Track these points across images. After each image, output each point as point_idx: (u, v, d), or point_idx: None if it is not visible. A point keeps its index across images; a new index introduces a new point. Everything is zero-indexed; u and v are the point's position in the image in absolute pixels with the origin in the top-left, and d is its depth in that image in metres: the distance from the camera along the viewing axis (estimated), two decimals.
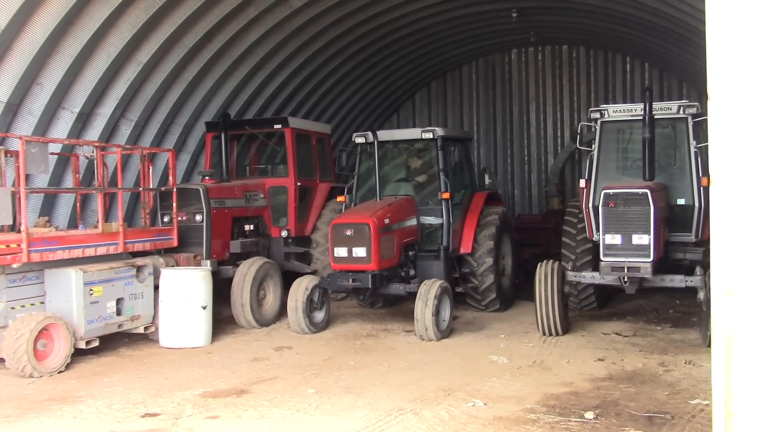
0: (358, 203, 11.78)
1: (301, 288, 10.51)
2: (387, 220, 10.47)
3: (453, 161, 11.61)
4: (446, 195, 11.40)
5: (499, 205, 12.86)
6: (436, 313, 9.85)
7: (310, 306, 10.55)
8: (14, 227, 9.00)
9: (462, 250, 11.82)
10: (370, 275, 10.20)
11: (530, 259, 14.60)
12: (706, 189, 10.34)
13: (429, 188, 12.02)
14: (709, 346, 9.03)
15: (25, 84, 9.77)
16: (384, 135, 12.04)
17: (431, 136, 11.58)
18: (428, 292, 9.89)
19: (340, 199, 12.07)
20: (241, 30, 12.71)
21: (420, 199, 11.78)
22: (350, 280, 10.40)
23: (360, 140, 11.98)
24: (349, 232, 10.25)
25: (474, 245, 11.80)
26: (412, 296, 10.51)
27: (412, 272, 11.27)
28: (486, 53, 20.25)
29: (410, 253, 11.29)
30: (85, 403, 7.20)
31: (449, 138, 11.93)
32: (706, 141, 11.14)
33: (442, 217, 11.51)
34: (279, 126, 13.23)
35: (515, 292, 13.06)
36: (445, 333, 10.12)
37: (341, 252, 10.33)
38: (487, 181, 13.25)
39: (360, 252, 10.20)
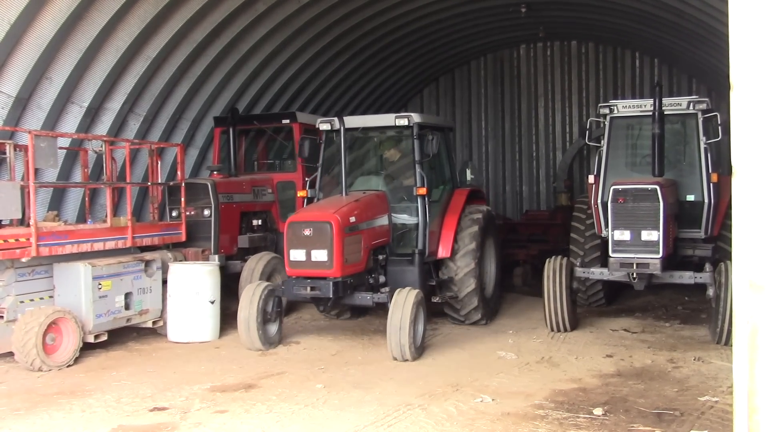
0: (322, 199, 10.31)
1: (253, 297, 9.10)
2: (353, 219, 9.06)
3: (431, 152, 9.80)
4: (422, 191, 9.85)
5: (483, 203, 11.33)
6: (413, 329, 8.51)
7: (264, 317, 9.16)
8: (23, 221, 9.02)
9: (440, 254, 10.29)
10: (331, 283, 8.74)
11: (538, 255, 14.60)
12: (716, 185, 10.31)
13: (403, 183, 10.56)
14: (718, 342, 8.99)
15: (34, 78, 9.77)
16: (352, 121, 10.38)
17: (406, 123, 10.03)
18: (403, 306, 8.50)
19: (301, 193, 10.56)
20: (250, 25, 12.70)
21: (392, 195, 10.27)
22: (308, 288, 8.91)
23: (325, 126, 10.34)
24: (307, 232, 8.81)
25: (453, 248, 10.28)
26: (380, 307, 9.34)
27: (382, 279, 9.79)
28: (494, 49, 20.20)
29: (380, 257, 9.84)
30: (94, 397, 7.22)
31: (427, 126, 10.35)
32: (716, 137, 11.05)
33: (417, 216, 9.96)
34: (287, 121, 13.21)
35: (499, 302, 11.70)
36: (420, 350, 8.75)
37: (298, 255, 8.86)
38: (469, 176, 12.21)
39: (320, 255, 8.76)
